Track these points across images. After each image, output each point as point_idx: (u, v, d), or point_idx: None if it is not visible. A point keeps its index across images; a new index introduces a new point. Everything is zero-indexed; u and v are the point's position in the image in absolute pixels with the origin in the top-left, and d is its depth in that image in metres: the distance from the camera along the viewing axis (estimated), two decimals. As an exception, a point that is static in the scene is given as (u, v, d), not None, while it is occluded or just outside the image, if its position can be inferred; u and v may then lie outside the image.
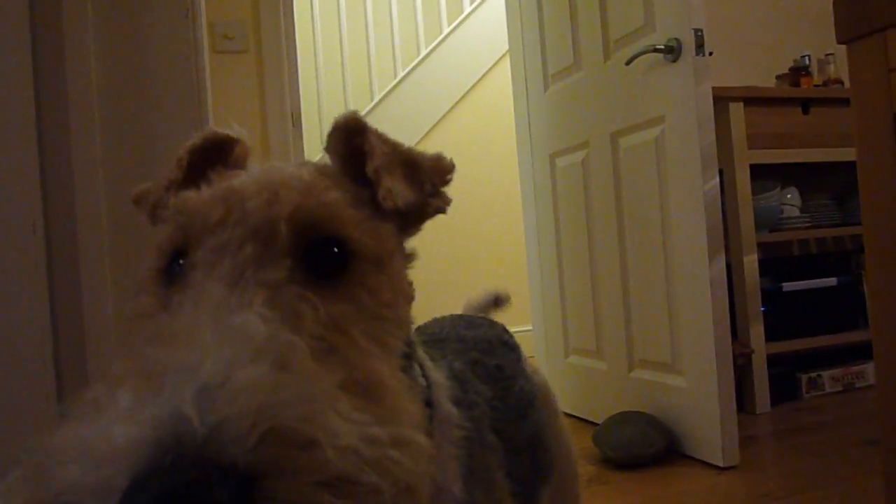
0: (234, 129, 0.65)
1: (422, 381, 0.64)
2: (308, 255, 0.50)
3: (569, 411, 2.68)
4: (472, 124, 4.01)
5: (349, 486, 0.35)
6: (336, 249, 0.51)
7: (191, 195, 0.53)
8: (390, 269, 0.56)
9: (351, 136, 0.61)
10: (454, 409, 0.66)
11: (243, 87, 2.47)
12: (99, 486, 0.33)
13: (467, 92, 4.03)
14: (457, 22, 4.07)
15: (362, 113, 3.65)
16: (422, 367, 0.66)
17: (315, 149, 3.95)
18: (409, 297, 0.59)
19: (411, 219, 0.62)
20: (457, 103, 4.01)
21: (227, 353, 0.37)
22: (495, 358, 0.85)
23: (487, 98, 4.04)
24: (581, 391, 2.62)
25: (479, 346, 0.86)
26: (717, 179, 2.01)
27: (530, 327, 2.95)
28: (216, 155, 0.64)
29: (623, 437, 2.06)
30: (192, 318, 0.42)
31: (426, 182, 0.61)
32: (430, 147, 3.89)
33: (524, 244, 2.96)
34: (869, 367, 2.79)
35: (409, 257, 0.62)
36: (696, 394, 2.05)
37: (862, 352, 2.79)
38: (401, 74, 4.01)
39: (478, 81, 4.05)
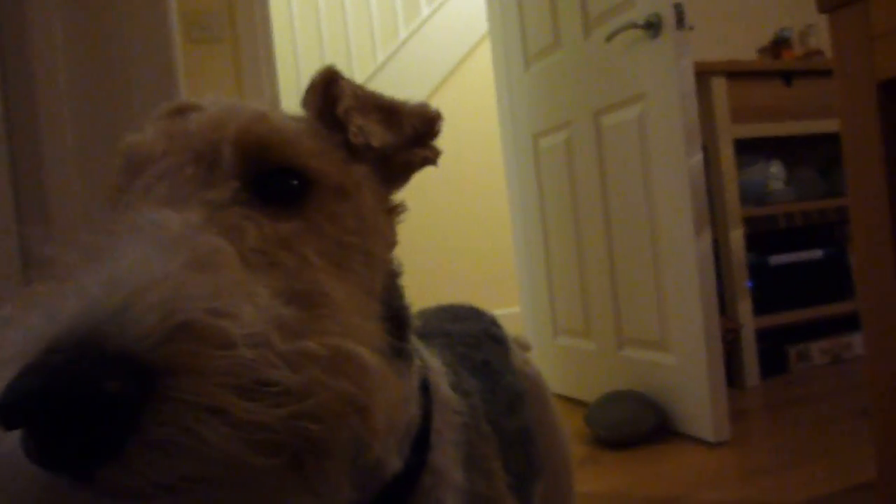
0: (206, 99, 0.62)
1: (419, 361, 0.62)
2: (260, 182, 0.47)
3: (559, 392, 2.68)
4: (454, 107, 3.98)
5: (268, 389, 0.32)
6: (294, 180, 0.49)
7: (136, 135, 0.51)
8: (357, 200, 0.53)
9: (327, 87, 0.59)
10: (453, 394, 0.65)
11: (220, 76, 2.43)
12: None
13: (448, 74, 3.99)
14: (436, 4, 4.02)
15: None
16: (417, 349, 0.64)
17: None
18: (388, 240, 0.57)
19: (395, 168, 0.60)
20: (438, 86, 3.97)
21: (140, 248, 0.35)
22: (482, 353, 0.84)
23: (469, 80, 4.00)
24: (570, 372, 2.62)
25: (465, 340, 0.84)
26: (701, 155, 2.00)
27: (518, 309, 2.95)
28: None
29: (614, 417, 2.06)
30: (120, 230, 0.39)
31: (406, 126, 0.59)
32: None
33: (510, 226, 2.95)
34: (856, 338, 2.81)
35: (396, 208, 0.60)
36: (685, 370, 2.05)
37: (849, 323, 2.80)
38: (381, 59, 3.96)
39: (459, 63, 4.01)
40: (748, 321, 2.57)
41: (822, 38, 3.11)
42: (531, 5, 2.64)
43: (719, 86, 2.56)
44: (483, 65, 3.78)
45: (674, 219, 2.04)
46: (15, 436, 0.31)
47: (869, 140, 1.05)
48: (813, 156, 3.13)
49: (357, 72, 4.00)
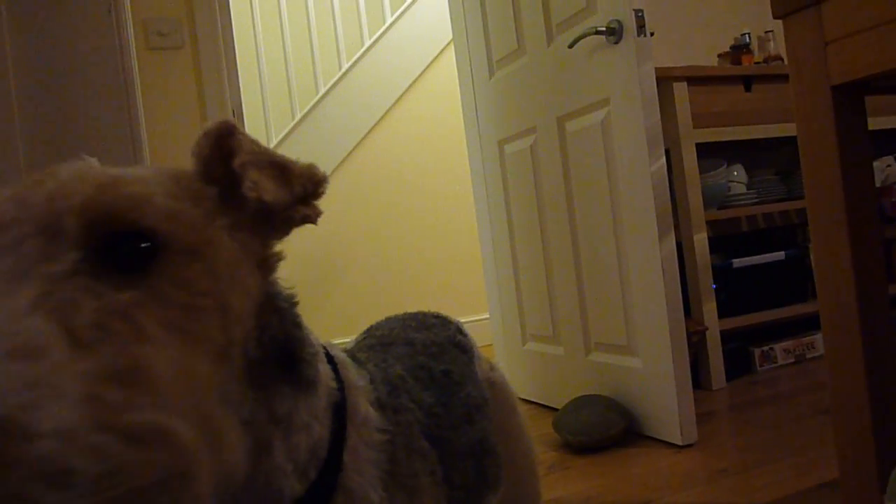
0: (65, 166, 0.59)
1: (332, 383, 0.63)
2: (107, 249, 0.47)
3: (528, 398, 2.67)
4: (420, 114, 3.98)
5: (72, 478, 0.33)
6: (142, 244, 0.48)
7: None
8: (211, 258, 0.52)
9: (221, 138, 0.59)
10: (373, 412, 0.66)
11: (180, 83, 2.39)
12: None
13: (414, 81, 3.99)
14: (400, 10, 4.02)
15: (307, 108, 3.57)
16: (336, 368, 0.65)
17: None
18: (248, 290, 0.56)
19: (276, 223, 0.60)
20: (404, 93, 3.96)
21: None
22: (443, 363, 0.84)
23: (435, 87, 4.00)
24: (539, 377, 2.62)
25: (428, 349, 0.84)
26: (664, 159, 2.02)
27: (487, 316, 2.94)
28: None
29: (582, 422, 2.06)
30: None
31: (296, 185, 0.60)
32: (378, 139, 3.86)
33: (477, 232, 2.95)
34: (819, 338, 2.85)
35: (270, 259, 0.60)
36: (652, 374, 2.07)
37: (812, 323, 2.85)
38: (345, 66, 3.94)
39: (424, 70, 4.01)
40: (713, 323, 2.60)
41: (780, 44, 3.17)
42: (495, 12, 2.65)
43: (681, 91, 2.59)
44: (448, 72, 3.79)
45: (638, 223, 2.05)
46: None
47: (825, 143, 1.07)
48: (773, 159, 3.19)
49: (321, 79, 3.98)
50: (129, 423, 0.37)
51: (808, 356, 2.86)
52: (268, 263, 0.60)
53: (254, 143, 0.60)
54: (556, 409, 2.31)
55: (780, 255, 2.90)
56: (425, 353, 0.83)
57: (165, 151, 2.28)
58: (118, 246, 0.47)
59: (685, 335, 2.02)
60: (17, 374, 0.34)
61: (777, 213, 3.14)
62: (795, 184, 3.02)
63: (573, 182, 2.34)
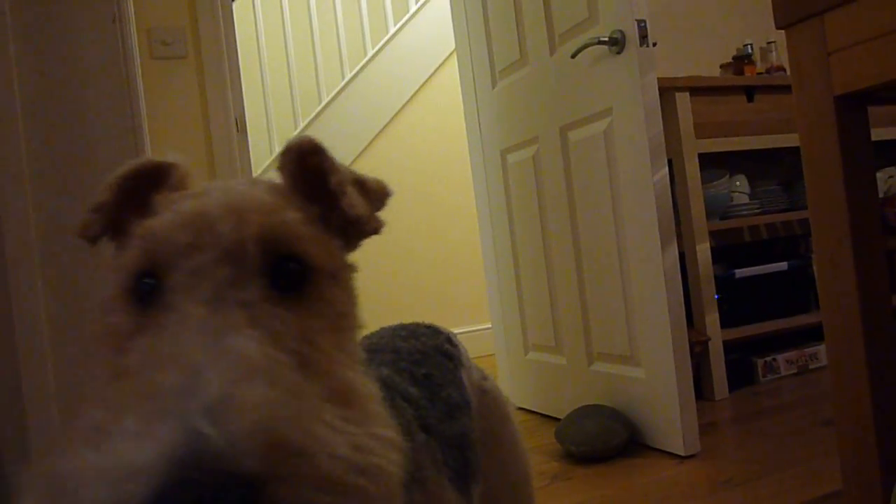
0: (170, 155, 0.66)
1: None
2: (273, 273, 0.52)
3: (530, 408, 2.67)
4: (422, 123, 3.98)
5: (341, 487, 0.39)
6: (299, 267, 0.54)
7: (155, 221, 0.54)
8: (344, 281, 0.59)
9: (304, 156, 0.63)
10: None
11: (184, 92, 2.40)
12: (123, 501, 0.35)
13: (416, 91, 4.00)
14: (403, 21, 4.03)
15: (309, 117, 3.58)
16: None
17: (263, 154, 3.89)
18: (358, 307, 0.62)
19: (352, 236, 0.64)
20: (406, 103, 3.97)
21: (224, 373, 0.40)
22: (425, 367, 0.86)
23: (437, 96, 4.01)
24: (542, 387, 2.61)
25: (412, 357, 0.87)
26: (667, 169, 2.02)
27: (489, 325, 2.94)
28: (155, 179, 0.64)
29: (585, 432, 2.06)
30: (183, 340, 0.44)
31: (373, 198, 0.66)
32: (380, 148, 3.87)
33: (480, 242, 2.95)
34: (822, 349, 2.84)
35: (353, 269, 0.64)
36: (654, 384, 2.06)
37: (815, 334, 2.84)
38: (348, 76, 3.96)
39: (427, 80, 4.02)
40: (716, 334, 2.59)
41: (782, 54, 3.18)
42: (497, 23, 2.66)
43: (683, 101, 2.59)
44: (451, 82, 3.80)
45: (641, 233, 2.05)
46: None
47: (828, 154, 1.07)
48: (776, 169, 3.19)
49: (324, 88, 4.00)
50: (368, 436, 0.43)
51: (811, 367, 2.85)
52: (353, 273, 0.65)
53: (336, 160, 0.64)
54: (558, 420, 2.30)
55: (782, 265, 2.90)
56: (409, 360, 0.86)
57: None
58: (282, 270, 0.52)
59: (688, 345, 2.02)
60: (282, 401, 0.40)
61: (780, 223, 3.14)
62: (798, 194, 3.02)
63: (575, 192, 2.34)
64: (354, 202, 0.60)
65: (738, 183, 2.96)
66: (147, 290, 0.52)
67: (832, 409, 1.13)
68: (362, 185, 0.65)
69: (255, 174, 2.61)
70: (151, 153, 1.33)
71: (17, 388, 1.15)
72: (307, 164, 0.63)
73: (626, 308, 2.16)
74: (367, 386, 0.50)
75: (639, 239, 2.06)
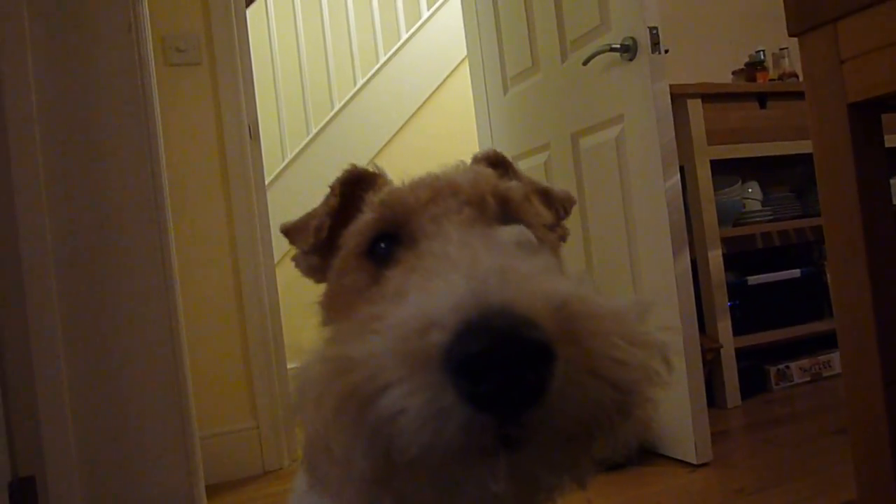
0: (372, 166, 0.74)
1: None
2: (497, 219, 0.57)
3: (542, 415, 2.66)
4: (434, 130, 3.99)
5: (624, 355, 0.41)
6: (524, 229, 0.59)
7: (395, 187, 0.61)
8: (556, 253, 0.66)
9: (492, 165, 0.70)
10: None
11: (198, 99, 2.42)
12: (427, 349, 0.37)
13: (428, 97, 4.01)
14: (415, 27, 4.05)
15: (322, 123, 3.58)
16: None
17: (275, 160, 3.90)
18: None
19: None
20: (418, 109, 3.98)
21: (501, 254, 0.42)
22: None
23: (449, 103, 4.02)
24: (553, 394, 2.60)
25: None
26: (679, 176, 2.01)
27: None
28: (362, 186, 0.70)
29: (596, 439, 2.04)
30: (448, 250, 0.45)
31: (559, 207, 0.72)
32: (392, 154, 3.88)
33: (490, 248, 2.94)
34: (835, 356, 2.82)
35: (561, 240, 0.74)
36: (666, 392, 2.04)
37: (828, 341, 2.82)
38: (360, 82, 3.97)
39: (439, 86, 4.03)
40: (728, 341, 2.58)
41: (795, 61, 3.16)
42: (509, 29, 2.66)
43: (695, 108, 2.59)
44: (463, 87, 3.80)
45: (652, 240, 2.05)
46: (450, 389, 0.37)
47: (841, 160, 1.07)
48: (789, 176, 3.17)
49: (336, 94, 4.01)
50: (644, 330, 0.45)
51: (825, 375, 2.83)
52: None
53: (519, 170, 0.72)
54: (569, 426, 2.29)
55: (795, 272, 2.88)
56: None
57: (182, 165, 2.30)
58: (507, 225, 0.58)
59: (700, 352, 2.01)
60: (557, 281, 0.42)
61: (792, 230, 3.12)
62: (811, 201, 3.00)
63: (587, 198, 2.34)
64: (541, 211, 0.65)
65: (750, 190, 2.95)
66: (382, 252, 0.56)
67: (846, 418, 1.12)
68: (547, 193, 0.71)
69: (266, 181, 2.62)
70: (166, 159, 1.34)
71: (32, 392, 1.16)
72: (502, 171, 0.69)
73: (638, 315, 2.14)
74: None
75: (651, 245, 2.06)
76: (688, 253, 2.01)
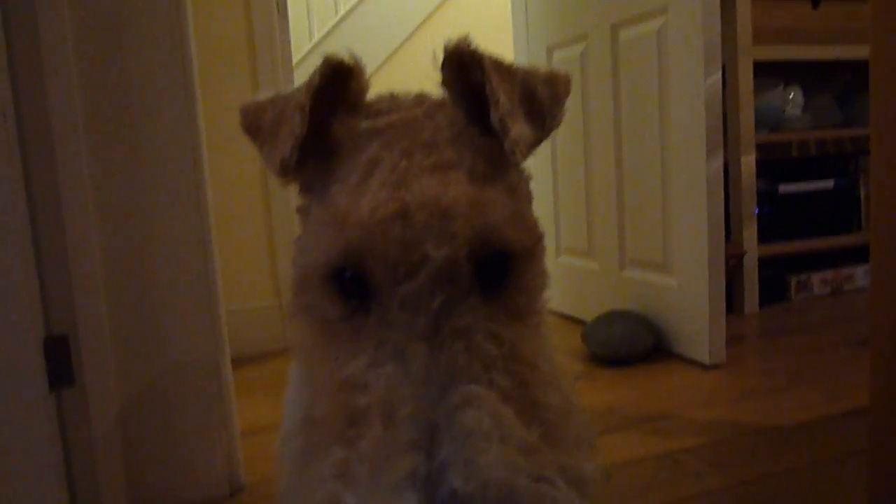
0: (347, 55, 0.60)
1: None
2: (478, 276, 0.51)
3: (558, 310, 2.69)
4: (464, 19, 3.85)
5: None
6: (503, 258, 0.53)
7: (351, 209, 0.51)
8: (538, 254, 0.58)
9: (466, 70, 0.58)
10: None
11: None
12: None
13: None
14: None
15: (352, 3, 3.44)
16: None
17: (302, 40, 3.80)
18: None
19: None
20: (448, -4, 3.84)
21: (459, 435, 0.42)
22: None
23: (484, -11, 3.86)
24: (572, 290, 2.63)
25: None
26: (720, 75, 1.94)
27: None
28: (332, 91, 0.59)
29: (611, 335, 2.08)
30: (412, 393, 0.44)
31: (547, 117, 0.59)
32: (418, 46, 3.76)
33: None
34: (858, 271, 2.80)
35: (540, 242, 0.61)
36: (686, 293, 2.06)
37: (852, 255, 2.79)
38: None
39: (474, -30, 3.86)
40: (752, 248, 2.56)
41: (854, -42, 2.97)
42: None
43: (744, 2, 2.46)
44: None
45: (686, 140, 2.00)
46: None
47: (900, 62, 1.01)
48: (832, 83, 3.05)
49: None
50: (566, 467, 0.46)
51: (846, 288, 2.82)
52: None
53: (501, 74, 0.57)
54: (585, 323, 2.33)
55: (828, 183, 2.82)
56: None
57: (209, 38, 2.25)
58: (486, 270, 0.52)
59: (723, 258, 2.00)
60: (511, 461, 0.42)
61: (831, 139, 3.03)
62: (854, 110, 2.90)
63: (622, 92, 2.27)
64: (520, 141, 0.55)
65: (791, 94, 2.84)
66: (349, 280, 0.52)
67: (863, 331, 1.12)
68: (532, 99, 0.58)
69: (294, 60, 2.56)
70: (193, 30, 1.30)
71: (64, 255, 1.18)
72: (469, 80, 0.58)
73: (664, 215, 2.13)
74: (565, 399, 0.51)
75: (684, 145, 2.01)
76: (721, 156, 1.96)
